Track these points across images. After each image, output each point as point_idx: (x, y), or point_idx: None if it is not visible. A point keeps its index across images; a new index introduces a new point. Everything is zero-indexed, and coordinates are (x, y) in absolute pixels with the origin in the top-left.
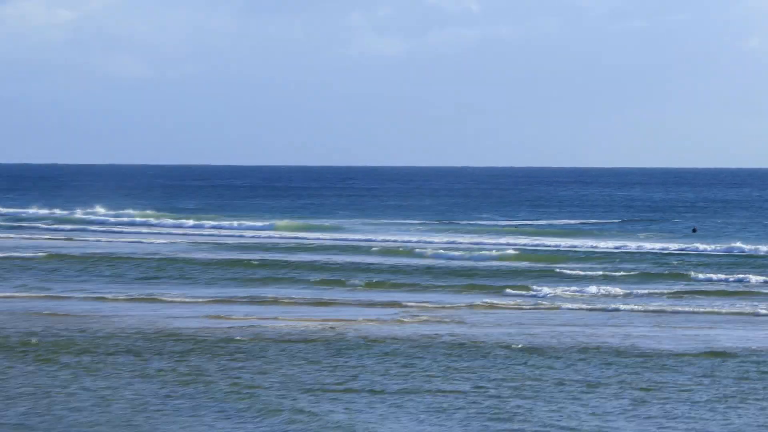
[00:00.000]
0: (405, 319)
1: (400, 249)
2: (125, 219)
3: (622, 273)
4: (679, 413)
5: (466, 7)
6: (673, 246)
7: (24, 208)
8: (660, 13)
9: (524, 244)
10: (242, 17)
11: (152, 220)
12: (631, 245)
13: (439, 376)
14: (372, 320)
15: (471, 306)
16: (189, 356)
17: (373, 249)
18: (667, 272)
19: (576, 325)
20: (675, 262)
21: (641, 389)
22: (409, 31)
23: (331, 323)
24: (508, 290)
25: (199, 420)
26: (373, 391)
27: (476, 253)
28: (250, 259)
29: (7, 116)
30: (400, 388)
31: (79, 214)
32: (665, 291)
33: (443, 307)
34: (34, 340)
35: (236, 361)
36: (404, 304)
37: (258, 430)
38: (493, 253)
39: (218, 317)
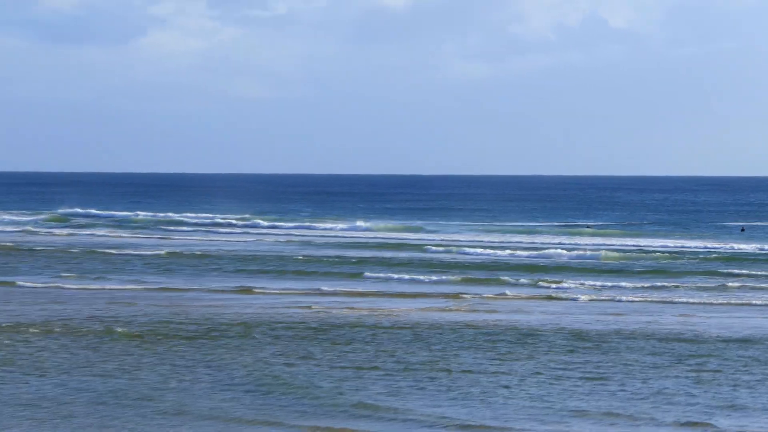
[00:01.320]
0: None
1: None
2: (248, 222)
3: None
4: None
5: (543, 36)
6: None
7: (162, 212)
8: (711, 41)
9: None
10: (349, 45)
11: (263, 223)
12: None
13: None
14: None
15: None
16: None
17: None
18: None
19: None
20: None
21: None
22: (493, 57)
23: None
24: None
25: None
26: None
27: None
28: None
29: (144, 130)
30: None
31: (218, 218)
32: None
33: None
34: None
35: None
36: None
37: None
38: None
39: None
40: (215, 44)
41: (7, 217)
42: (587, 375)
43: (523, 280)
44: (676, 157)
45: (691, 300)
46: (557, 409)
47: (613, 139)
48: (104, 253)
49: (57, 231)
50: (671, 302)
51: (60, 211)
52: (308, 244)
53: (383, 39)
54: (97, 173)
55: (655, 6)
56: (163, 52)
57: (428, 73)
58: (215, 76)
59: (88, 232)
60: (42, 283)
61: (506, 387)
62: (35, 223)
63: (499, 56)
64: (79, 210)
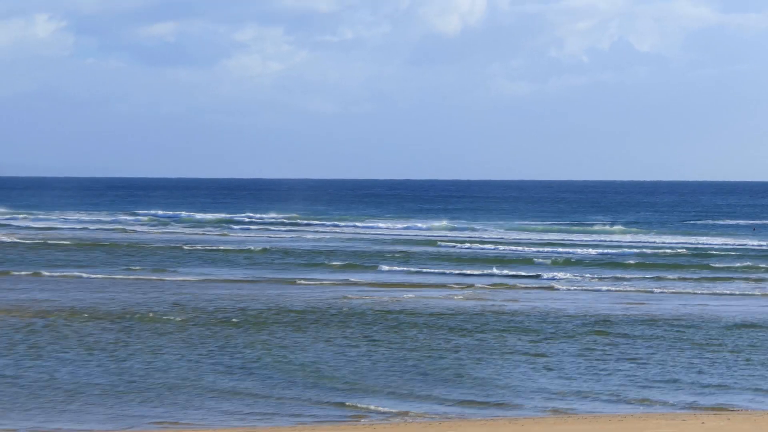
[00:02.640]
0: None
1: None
2: (324, 221)
3: None
4: None
5: (578, 59)
6: None
7: (237, 212)
8: (727, 63)
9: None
10: (408, 67)
11: (338, 222)
12: None
13: None
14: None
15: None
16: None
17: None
18: None
19: None
20: None
21: None
22: (534, 77)
23: None
24: None
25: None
26: None
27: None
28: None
29: (229, 141)
30: None
31: (298, 218)
32: None
33: None
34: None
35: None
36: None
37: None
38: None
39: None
40: (291, 66)
41: (108, 218)
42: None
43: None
44: (695, 164)
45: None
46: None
47: (638, 148)
48: (219, 250)
49: (168, 229)
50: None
51: (159, 212)
52: (380, 241)
53: (438, 61)
54: (189, 178)
55: (677, 32)
56: (245, 72)
57: (477, 91)
58: (291, 94)
59: (201, 230)
60: (194, 276)
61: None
62: (139, 223)
63: (539, 77)
64: (183, 213)
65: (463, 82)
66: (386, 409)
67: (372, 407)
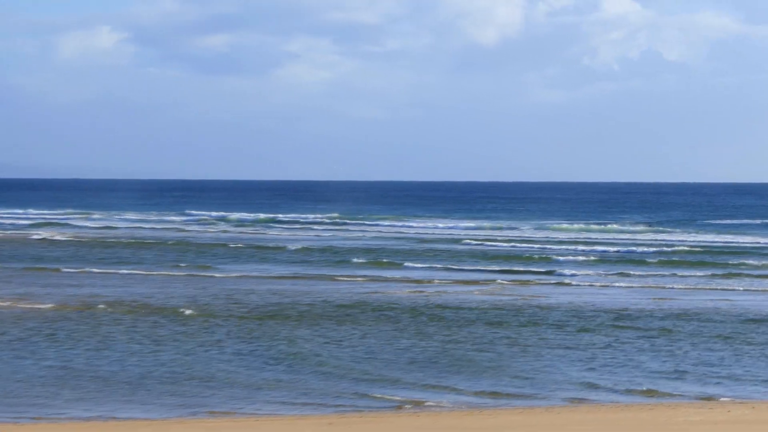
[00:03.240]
0: None
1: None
2: (367, 221)
3: None
4: None
5: (609, 67)
6: None
7: (284, 212)
8: (749, 72)
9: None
10: (449, 75)
11: (381, 222)
12: None
13: None
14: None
15: None
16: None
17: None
18: None
19: None
20: None
21: None
22: (568, 85)
23: None
24: None
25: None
26: None
27: None
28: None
29: (281, 145)
30: None
31: (340, 218)
32: None
33: None
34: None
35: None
36: None
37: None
38: None
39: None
40: (339, 74)
41: (171, 217)
42: None
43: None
44: (717, 166)
45: None
46: None
47: (665, 151)
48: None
49: (218, 228)
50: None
51: (213, 213)
52: (423, 241)
53: (477, 70)
54: (240, 180)
55: (702, 42)
56: (296, 81)
57: (514, 98)
58: (339, 101)
59: (271, 230)
60: (237, 273)
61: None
62: (191, 222)
63: (573, 84)
64: (233, 213)
65: (501, 89)
66: (426, 399)
67: (414, 397)
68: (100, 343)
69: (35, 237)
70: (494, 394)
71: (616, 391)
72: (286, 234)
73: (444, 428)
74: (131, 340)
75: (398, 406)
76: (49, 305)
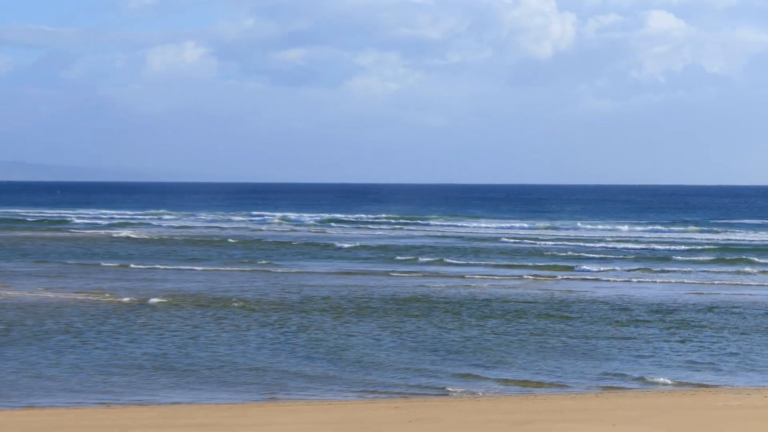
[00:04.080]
0: None
1: None
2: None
3: None
4: None
5: (655, 79)
6: None
7: (351, 213)
8: None
9: None
10: (506, 87)
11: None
12: None
13: None
14: None
15: None
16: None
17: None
18: None
19: None
20: None
21: None
22: (616, 96)
23: None
24: None
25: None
26: None
27: None
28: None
29: (353, 151)
30: None
31: (401, 218)
32: None
33: None
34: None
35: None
36: None
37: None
38: None
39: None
40: (405, 86)
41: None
42: None
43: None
44: (756, 169)
45: None
46: None
47: (706, 156)
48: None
49: (287, 227)
50: None
51: (288, 214)
52: (471, 238)
53: (532, 82)
54: (314, 183)
55: (741, 56)
56: (366, 92)
57: (566, 108)
58: (404, 110)
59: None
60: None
61: None
62: (266, 222)
63: (621, 95)
64: (305, 214)
65: (554, 100)
66: (482, 385)
67: (470, 383)
68: (186, 334)
69: (116, 235)
70: (538, 384)
71: (661, 377)
72: (345, 233)
73: (502, 412)
74: (221, 330)
75: (463, 391)
76: (128, 299)
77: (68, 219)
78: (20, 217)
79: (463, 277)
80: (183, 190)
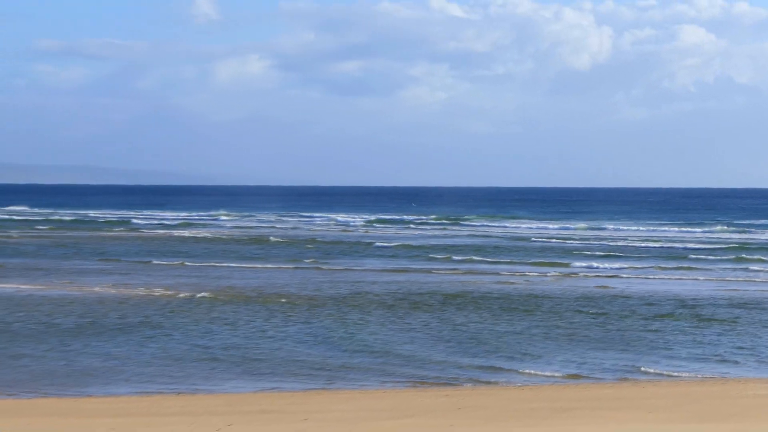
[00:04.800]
0: None
1: None
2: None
3: None
4: None
5: (687, 89)
6: None
7: (402, 214)
8: None
9: None
10: (548, 96)
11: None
12: None
13: None
14: None
15: None
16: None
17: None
18: None
19: None
20: None
21: None
22: (650, 104)
23: None
24: None
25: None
26: None
27: None
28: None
29: (405, 156)
30: None
31: (443, 219)
32: None
33: None
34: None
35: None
36: None
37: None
38: None
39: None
40: (454, 95)
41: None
42: None
43: None
44: None
45: None
46: None
47: (734, 161)
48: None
49: (338, 227)
50: None
51: (340, 216)
52: (516, 238)
53: (572, 91)
54: (372, 186)
55: None
56: (417, 101)
57: (603, 116)
58: (453, 118)
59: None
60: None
61: None
62: (319, 223)
63: (654, 104)
64: (356, 215)
65: (592, 108)
66: (525, 372)
67: (513, 372)
68: (242, 326)
69: (177, 234)
70: (574, 376)
71: (693, 368)
72: (391, 232)
73: (545, 400)
74: (283, 324)
75: (506, 381)
76: (201, 294)
77: (135, 220)
78: (91, 218)
79: (497, 273)
80: (246, 193)
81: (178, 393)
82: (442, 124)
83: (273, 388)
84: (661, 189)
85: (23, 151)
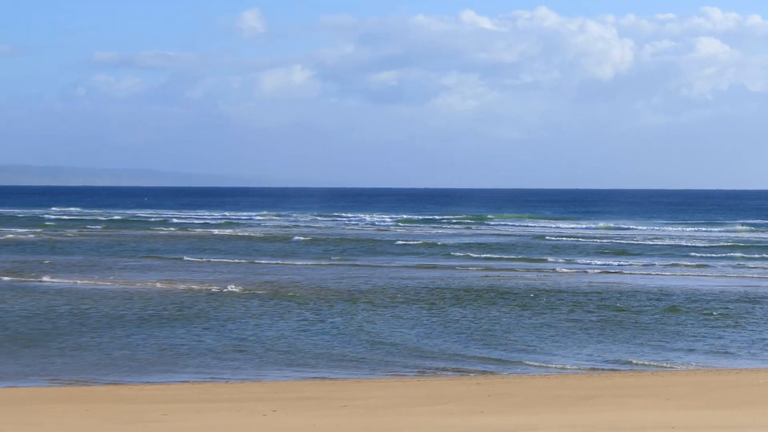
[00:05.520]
0: None
1: None
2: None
3: None
4: None
5: (703, 97)
6: None
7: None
8: None
9: None
10: (573, 104)
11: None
12: None
13: None
14: None
15: None
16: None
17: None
18: None
19: None
20: None
21: None
22: (669, 111)
23: None
24: None
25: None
26: None
27: None
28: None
29: (439, 161)
30: None
31: (466, 219)
32: None
33: None
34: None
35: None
36: None
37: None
38: None
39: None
40: (484, 103)
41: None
42: None
43: None
44: None
45: None
46: None
47: (748, 163)
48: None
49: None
50: None
51: (365, 215)
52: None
53: (596, 99)
54: (398, 188)
55: None
56: (449, 109)
57: (625, 122)
58: (483, 125)
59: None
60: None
61: None
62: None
63: (673, 111)
64: (385, 215)
65: (614, 115)
66: (549, 363)
67: (538, 362)
68: (286, 319)
69: (216, 233)
70: (593, 369)
71: (708, 358)
72: (421, 231)
73: (570, 387)
74: (325, 317)
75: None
76: (235, 289)
77: (187, 219)
78: (141, 218)
79: (539, 270)
80: (289, 194)
81: (227, 381)
82: (473, 130)
83: (315, 377)
84: (679, 191)
85: (84, 155)
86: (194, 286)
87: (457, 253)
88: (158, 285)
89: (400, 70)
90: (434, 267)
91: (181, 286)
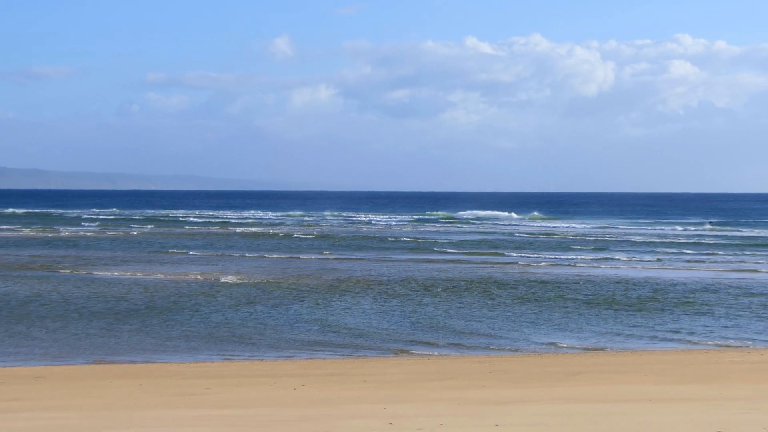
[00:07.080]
0: None
1: None
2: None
3: None
4: None
5: (676, 112)
6: None
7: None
8: None
9: None
10: (562, 118)
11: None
12: None
13: None
14: None
15: None
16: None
17: None
18: None
19: None
20: None
21: None
22: (646, 125)
23: None
24: None
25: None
26: None
27: None
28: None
29: (447, 169)
30: None
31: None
32: None
33: None
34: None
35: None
36: None
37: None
38: None
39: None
40: (485, 117)
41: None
42: None
43: None
44: (755, 180)
45: None
46: None
47: (713, 170)
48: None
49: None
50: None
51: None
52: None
53: (582, 114)
54: (422, 192)
55: (743, 94)
56: (455, 122)
57: (608, 134)
58: (484, 136)
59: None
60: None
61: None
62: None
63: (650, 124)
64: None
65: (599, 128)
66: (557, 342)
67: (544, 342)
68: (312, 306)
69: (239, 231)
70: (584, 349)
71: (686, 340)
72: (424, 229)
73: (559, 365)
74: (351, 304)
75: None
76: (268, 279)
77: (227, 219)
78: (175, 217)
79: (517, 263)
80: (315, 197)
81: (262, 359)
82: (476, 141)
83: (339, 356)
84: (655, 194)
85: (137, 163)
86: (237, 278)
87: (472, 250)
88: (200, 277)
89: (412, 88)
90: (449, 261)
91: (223, 277)
